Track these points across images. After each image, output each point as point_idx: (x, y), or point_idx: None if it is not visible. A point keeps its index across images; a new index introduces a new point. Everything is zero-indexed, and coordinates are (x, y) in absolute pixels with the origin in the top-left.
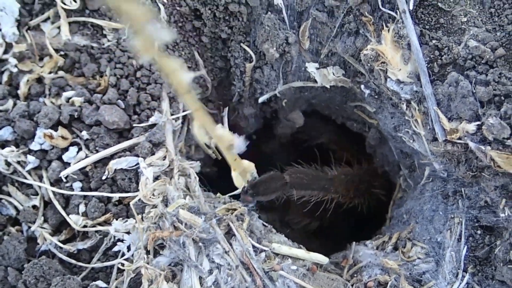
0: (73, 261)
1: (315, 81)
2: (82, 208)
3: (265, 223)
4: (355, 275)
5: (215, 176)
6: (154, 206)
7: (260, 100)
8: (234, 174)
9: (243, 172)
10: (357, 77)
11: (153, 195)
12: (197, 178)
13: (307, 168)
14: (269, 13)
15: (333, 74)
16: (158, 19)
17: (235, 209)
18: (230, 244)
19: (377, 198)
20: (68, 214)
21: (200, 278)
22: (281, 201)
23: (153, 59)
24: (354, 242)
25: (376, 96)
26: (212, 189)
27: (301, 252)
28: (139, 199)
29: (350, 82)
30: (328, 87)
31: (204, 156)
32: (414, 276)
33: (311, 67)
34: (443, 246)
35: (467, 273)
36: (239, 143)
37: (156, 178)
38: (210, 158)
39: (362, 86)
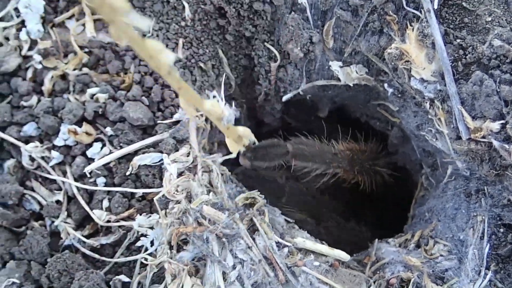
0: (96, 256)
1: (339, 80)
2: (105, 203)
3: (288, 219)
4: (378, 271)
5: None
6: (178, 202)
7: (284, 98)
8: (228, 141)
9: (238, 138)
10: (380, 76)
11: (177, 191)
12: (220, 175)
13: (312, 139)
14: (292, 12)
15: (356, 72)
16: (182, 17)
17: (254, 201)
18: (253, 239)
19: (385, 188)
20: (91, 209)
21: (224, 273)
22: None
23: (131, 43)
24: (376, 240)
25: (399, 95)
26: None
27: (325, 248)
28: (163, 195)
29: (373, 80)
30: (351, 85)
31: (226, 153)
32: (437, 273)
33: (335, 65)
34: (465, 244)
35: (490, 271)
36: (229, 114)
37: (180, 174)
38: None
39: (385, 85)
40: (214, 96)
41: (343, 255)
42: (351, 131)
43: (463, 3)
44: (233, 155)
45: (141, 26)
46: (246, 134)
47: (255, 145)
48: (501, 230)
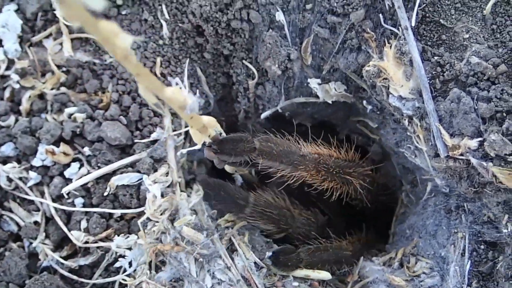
0: (75, 277)
1: (317, 97)
2: (83, 224)
3: (267, 239)
4: None
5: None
6: (157, 222)
7: (262, 116)
8: (192, 131)
9: (203, 128)
10: (359, 93)
11: (159, 211)
12: (201, 194)
13: (280, 139)
14: (270, 30)
15: (335, 89)
16: (160, 36)
17: (235, 222)
18: (232, 259)
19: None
20: (69, 230)
21: None
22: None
23: (83, 24)
24: (362, 258)
25: (378, 112)
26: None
27: (304, 272)
28: (147, 217)
29: (352, 97)
30: (330, 102)
31: (206, 171)
32: None
33: (314, 83)
34: (447, 260)
35: None
36: (192, 102)
37: (161, 195)
38: (212, 173)
39: (364, 102)
40: (176, 84)
41: (324, 275)
42: (333, 140)
43: (441, 20)
44: (198, 146)
45: (94, 6)
46: (211, 124)
47: (222, 137)
48: (482, 247)
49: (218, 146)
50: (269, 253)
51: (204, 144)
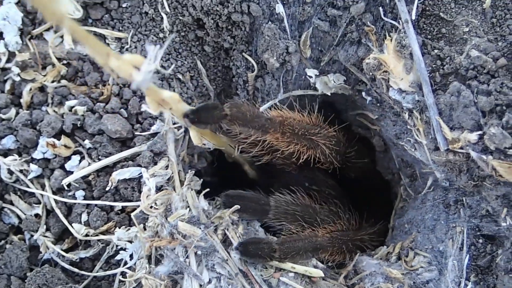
0: (76, 270)
1: (316, 90)
2: (84, 217)
3: (266, 232)
4: (358, 282)
5: (216, 185)
6: (152, 216)
7: (261, 109)
8: (148, 100)
9: (163, 102)
10: (358, 85)
11: (156, 204)
12: (198, 187)
13: (247, 105)
14: (270, 22)
15: (334, 81)
16: (161, 29)
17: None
18: (228, 253)
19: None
20: (70, 223)
21: (200, 286)
22: None
23: None
24: (358, 254)
25: (378, 104)
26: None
27: (298, 267)
28: (140, 210)
29: (350, 89)
30: (329, 94)
31: (206, 165)
32: (418, 285)
33: (311, 72)
34: (445, 255)
35: (470, 282)
36: (148, 72)
37: (159, 189)
38: (211, 168)
39: (363, 93)
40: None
41: (315, 272)
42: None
43: (441, 14)
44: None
45: None
46: (174, 98)
47: (196, 107)
48: (480, 241)
49: (194, 115)
50: (235, 244)
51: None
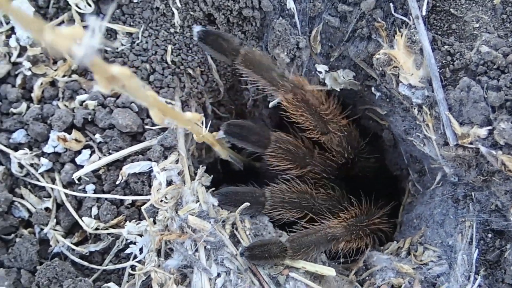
0: (85, 263)
1: (325, 85)
2: (94, 210)
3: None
4: (368, 278)
5: (222, 181)
6: (163, 210)
7: (271, 105)
8: (96, 77)
9: (112, 78)
10: (367, 81)
11: (166, 198)
12: (208, 183)
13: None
14: (280, 18)
15: (343, 77)
16: (172, 24)
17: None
18: (237, 249)
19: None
20: (80, 217)
21: (210, 279)
22: None
23: None
24: (368, 248)
25: (387, 99)
26: None
27: (308, 265)
28: (151, 204)
29: (359, 85)
30: (338, 90)
31: (213, 160)
32: (429, 279)
33: (321, 68)
34: (454, 249)
35: (479, 276)
36: (86, 46)
37: (169, 183)
38: (218, 163)
39: (373, 89)
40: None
41: (327, 271)
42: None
43: (451, 10)
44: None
45: None
46: (125, 74)
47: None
48: (489, 235)
49: (209, 41)
50: (240, 249)
51: None
